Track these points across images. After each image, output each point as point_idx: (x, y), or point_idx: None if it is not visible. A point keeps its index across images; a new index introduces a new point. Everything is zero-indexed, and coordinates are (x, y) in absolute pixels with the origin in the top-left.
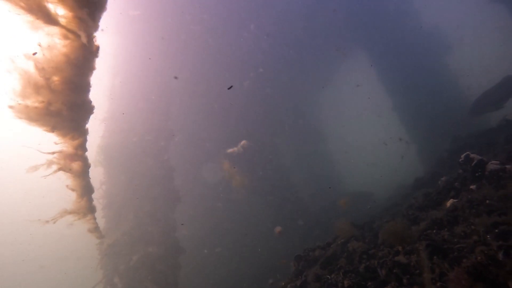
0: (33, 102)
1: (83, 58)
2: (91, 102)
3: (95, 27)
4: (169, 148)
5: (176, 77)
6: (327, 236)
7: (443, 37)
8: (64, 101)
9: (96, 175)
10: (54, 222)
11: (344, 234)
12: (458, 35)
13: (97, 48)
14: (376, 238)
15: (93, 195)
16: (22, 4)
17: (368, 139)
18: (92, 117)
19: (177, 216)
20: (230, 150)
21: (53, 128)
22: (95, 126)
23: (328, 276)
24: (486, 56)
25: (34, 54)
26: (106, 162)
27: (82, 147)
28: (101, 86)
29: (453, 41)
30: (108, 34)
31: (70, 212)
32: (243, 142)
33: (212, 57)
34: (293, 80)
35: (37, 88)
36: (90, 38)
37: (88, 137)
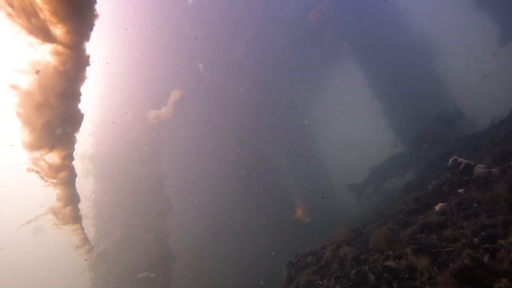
0: (35, 124)
1: (75, 69)
2: (80, 111)
3: (87, 38)
4: (161, 155)
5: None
6: (320, 241)
7: (431, 42)
8: (59, 117)
9: (86, 184)
10: (37, 221)
11: (337, 238)
12: (446, 41)
13: (88, 57)
14: (367, 243)
15: (85, 205)
16: (26, 24)
17: (360, 142)
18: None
19: (168, 224)
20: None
21: (52, 148)
22: (84, 134)
23: (320, 282)
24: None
25: (37, 72)
26: (96, 171)
27: (69, 157)
28: (91, 94)
29: (441, 47)
30: (97, 41)
31: (55, 215)
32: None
33: (205, 63)
34: (285, 86)
35: (39, 108)
36: (82, 48)
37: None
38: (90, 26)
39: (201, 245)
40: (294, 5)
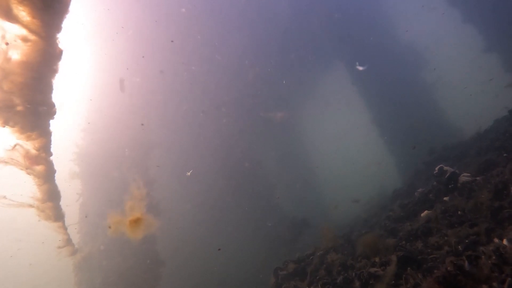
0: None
1: (45, 59)
2: (54, 104)
3: (57, 29)
4: (149, 159)
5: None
6: (308, 247)
7: (420, 53)
8: (21, 98)
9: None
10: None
11: (325, 244)
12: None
13: (61, 51)
14: (354, 249)
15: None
16: None
17: (350, 150)
18: (70, 128)
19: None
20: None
21: (4, 123)
22: (72, 137)
23: None
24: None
25: (7, 44)
26: (83, 173)
27: (45, 149)
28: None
29: (429, 58)
30: (88, 43)
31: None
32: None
33: (194, 69)
34: (275, 93)
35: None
36: (53, 41)
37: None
38: (60, 17)
39: (189, 251)
40: (287, 12)
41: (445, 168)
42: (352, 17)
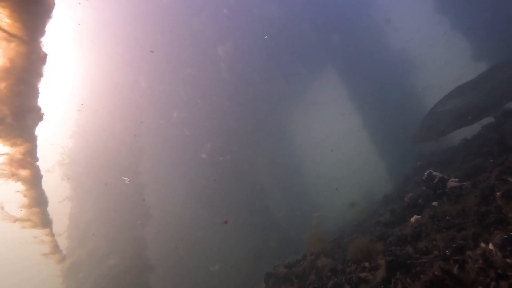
0: None
1: (29, 63)
2: (40, 109)
3: (41, 33)
4: (140, 163)
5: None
6: (298, 252)
7: (410, 57)
8: (7, 106)
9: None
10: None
11: (315, 249)
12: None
13: (45, 55)
14: (345, 254)
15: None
16: None
17: (340, 156)
18: (61, 131)
19: (146, 233)
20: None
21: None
22: (63, 140)
23: None
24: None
25: None
26: (73, 177)
27: (31, 154)
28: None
29: (420, 63)
30: (76, 45)
31: (22, 220)
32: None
33: (184, 75)
34: (264, 99)
35: None
36: (36, 44)
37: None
38: (42, 20)
39: (179, 255)
40: (277, 16)
41: (434, 173)
42: (344, 22)
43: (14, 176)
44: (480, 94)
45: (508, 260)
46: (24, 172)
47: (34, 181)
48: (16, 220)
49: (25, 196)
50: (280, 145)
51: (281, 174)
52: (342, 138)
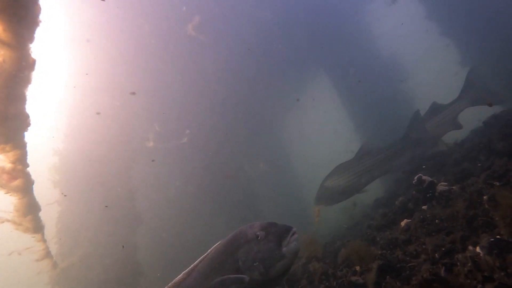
0: None
1: (17, 69)
2: (28, 115)
3: (30, 39)
4: (132, 167)
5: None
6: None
7: (400, 64)
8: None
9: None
10: None
11: (307, 253)
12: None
13: (34, 61)
14: (336, 258)
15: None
16: None
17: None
18: (49, 135)
19: (138, 239)
20: None
21: None
22: (51, 144)
23: None
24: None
25: None
26: (62, 182)
27: (21, 162)
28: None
29: (410, 69)
30: (65, 49)
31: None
32: None
33: (177, 78)
34: (257, 104)
35: None
36: (25, 50)
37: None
38: (30, 26)
39: (170, 259)
40: (269, 20)
41: (424, 177)
42: (335, 26)
43: (5, 189)
44: (357, 175)
45: (493, 261)
46: (16, 182)
47: (26, 189)
48: (4, 221)
49: (17, 206)
50: (271, 148)
51: (273, 178)
52: (334, 142)
